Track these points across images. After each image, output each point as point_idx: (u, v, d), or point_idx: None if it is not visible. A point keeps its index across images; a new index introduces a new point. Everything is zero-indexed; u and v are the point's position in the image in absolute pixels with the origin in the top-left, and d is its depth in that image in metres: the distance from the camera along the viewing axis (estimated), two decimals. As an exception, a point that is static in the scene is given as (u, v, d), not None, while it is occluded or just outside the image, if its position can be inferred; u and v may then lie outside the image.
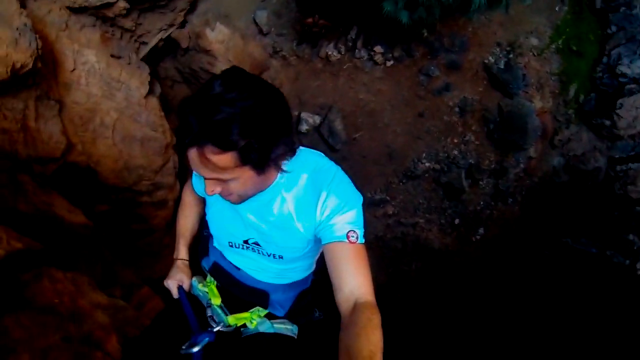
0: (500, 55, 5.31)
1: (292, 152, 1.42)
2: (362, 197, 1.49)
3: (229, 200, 1.49)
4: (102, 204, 4.23)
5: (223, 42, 4.95)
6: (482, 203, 5.60)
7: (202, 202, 1.97)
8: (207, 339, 1.66)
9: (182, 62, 5.21)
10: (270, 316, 1.83)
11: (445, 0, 4.08)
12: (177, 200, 4.45)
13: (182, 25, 4.83)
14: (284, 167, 1.40)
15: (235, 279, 1.84)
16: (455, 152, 5.37)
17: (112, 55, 4.23)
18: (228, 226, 1.72)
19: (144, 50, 4.65)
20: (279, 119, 1.29)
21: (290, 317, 1.85)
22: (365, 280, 1.35)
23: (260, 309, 1.82)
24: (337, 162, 1.55)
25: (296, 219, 1.53)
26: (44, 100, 3.64)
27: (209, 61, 5.03)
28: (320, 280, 1.96)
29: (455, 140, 5.37)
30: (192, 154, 1.23)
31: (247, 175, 1.32)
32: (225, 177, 1.31)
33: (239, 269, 1.83)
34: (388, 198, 5.46)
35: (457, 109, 5.33)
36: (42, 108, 3.62)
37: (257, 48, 5.27)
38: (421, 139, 5.31)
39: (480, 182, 5.54)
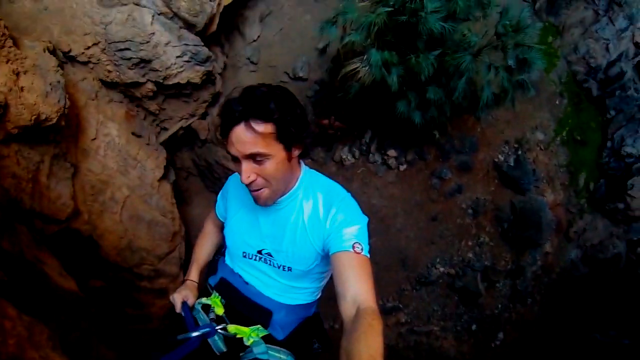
0: (509, 153, 5.28)
1: (308, 154, 1.64)
2: (367, 218, 1.56)
3: (258, 200, 1.57)
4: (98, 280, 3.73)
5: (241, 138, 4.86)
6: (499, 306, 5.11)
7: (220, 231, 2.05)
8: (207, 329, 1.72)
9: (199, 153, 5.06)
10: (268, 340, 1.77)
11: (456, 99, 4.15)
12: None
13: (203, 116, 4.78)
14: (302, 166, 1.65)
15: (241, 294, 1.82)
16: (470, 255, 5.02)
17: (133, 133, 4.10)
18: (245, 236, 1.76)
19: (164, 135, 4.52)
20: (303, 114, 1.52)
21: (288, 342, 1.79)
22: (368, 288, 1.36)
23: (261, 328, 1.78)
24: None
25: (308, 231, 1.59)
26: (60, 160, 3.42)
27: (224, 155, 4.88)
28: (322, 314, 2.00)
29: (470, 243, 5.06)
30: (239, 129, 1.41)
31: (279, 156, 1.46)
32: (263, 151, 1.41)
33: (247, 283, 1.82)
34: (400, 305, 4.96)
35: (470, 211, 5.12)
36: (56, 167, 3.39)
37: (275, 147, 5.18)
38: (434, 244, 5.00)
39: (497, 284, 5.11)
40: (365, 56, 3.92)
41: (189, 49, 3.99)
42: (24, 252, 2.29)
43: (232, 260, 1.90)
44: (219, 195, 2.01)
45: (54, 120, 3.10)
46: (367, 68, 3.92)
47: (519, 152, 5.25)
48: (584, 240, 5.35)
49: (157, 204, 4.24)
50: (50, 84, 3.12)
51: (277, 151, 1.46)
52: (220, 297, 1.88)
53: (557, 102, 5.52)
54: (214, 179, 5.08)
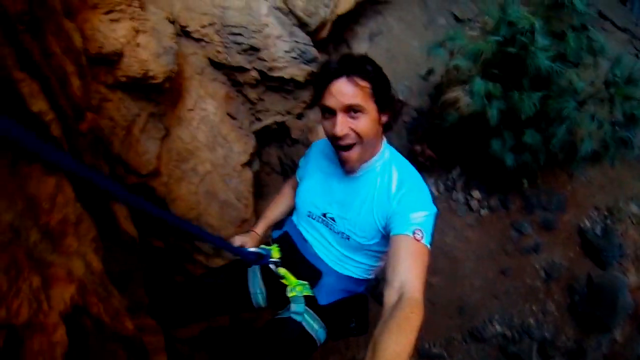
0: (597, 220, 4.70)
1: (391, 127, 1.67)
2: (436, 209, 1.51)
3: (347, 163, 1.59)
4: (158, 240, 3.74)
5: (330, 145, 4.79)
6: (548, 387, 4.47)
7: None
8: (263, 252, 1.84)
9: (287, 152, 5.04)
10: (310, 303, 1.75)
11: (552, 146, 3.81)
12: None
13: (299, 117, 4.76)
14: (384, 141, 1.67)
15: (298, 251, 1.83)
16: (531, 320, 4.50)
17: (228, 114, 4.15)
18: (314, 197, 1.77)
19: (257, 125, 4.55)
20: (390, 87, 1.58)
21: (328, 311, 1.75)
22: (418, 278, 1.29)
23: (307, 286, 1.77)
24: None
25: (375, 205, 1.56)
26: (155, 119, 3.52)
27: (311, 159, 4.83)
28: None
29: (534, 308, 4.54)
30: (340, 82, 1.46)
31: (373, 114, 1.50)
32: (361, 104, 1.46)
33: (306, 241, 1.81)
34: (445, 354, 4.51)
35: (542, 273, 4.61)
36: (150, 125, 3.48)
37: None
38: (498, 299, 4.54)
39: None
40: (468, 85, 3.71)
41: (298, 46, 4.01)
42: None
43: (298, 218, 1.89)
44: (301, 160, 2.06)
45: (160, 80, 3.23)
46: (468, 97, 3.71)
47: (608, 222, 4.65)
48: None
49: (235, 187, 4.23)
50: (163, 47, 3.27)
51: (371, 108, 1.50)
52: (279, 248, 1.90)
53: None
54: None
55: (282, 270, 1.83)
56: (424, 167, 4.78)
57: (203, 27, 3.83)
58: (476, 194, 4.78)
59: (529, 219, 4.74)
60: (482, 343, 4.55)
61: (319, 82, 1.54)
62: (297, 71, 4.13)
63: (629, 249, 4.65)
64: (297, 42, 3.99)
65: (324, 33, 4.44)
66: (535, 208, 4.75)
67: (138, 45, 3.16)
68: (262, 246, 1.96)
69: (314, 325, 1.74)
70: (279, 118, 4.64)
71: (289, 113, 4.66)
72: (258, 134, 4.61)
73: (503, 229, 4.75)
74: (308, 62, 4.11)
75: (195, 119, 3.90)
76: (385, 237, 1.55)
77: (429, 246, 1.39)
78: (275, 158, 5.18)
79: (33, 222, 1.03)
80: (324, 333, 1.79)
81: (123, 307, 1.43)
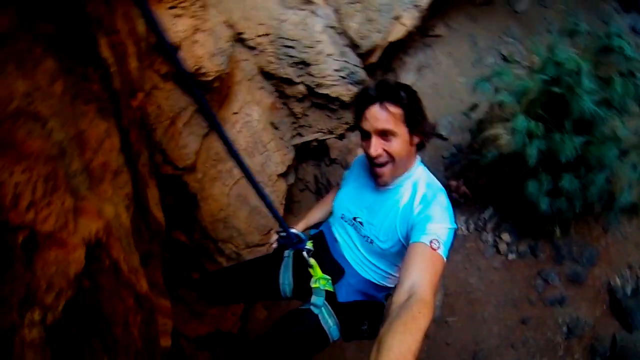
0: (629, 280, 4.45)
1: (424, 147, 1.76)
2: (457, 226, 1.63)
3: (380, 178, 1.72)
4: (183, 234, 3.77)
5: (368, 168, 4.77)
6: None
7: None
8: (302, 236, 2.07)
9: (324, 171, 5.05)
10: (329, 298, 1.86)
11: (590, 194, 3.68)
12: None
13: (340, 137, 4.78)
14: (418, 158, 1.77)
15: (328, 248, 1.96)
16: (547, 377, 4.25)
17: (271, 123, 4.21)
18: (348, 203, 1.90)
19: (298, 140, 4.60)
20: (424, 110, 1.68)
21: (344, 309, 1.85)
22: (430, 282, 1.29)
23: (330, 281, 1.88)
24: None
25: (399, 215, 1.65)
26: (200, 116, 3.62)
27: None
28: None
29: (551, 364, 4.30)
30: (374, 108, 1.61)
31: (404, 137, 1.62)
32: (392, 128, 1.59)
33: (336, 240, 1.93)
34: None
35: (565, 328, 4.36)
36: (194, 120, 3.58)
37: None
38: (515, 349, 4.32)
39: None
40: (511, 123, 3.66)
41: (348, 66, 4.07)
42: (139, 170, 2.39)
43: (333, 220, 2.02)
44: (345, 172, 2.15)
45: (210, 78, 3.33)
46: (509, 135, 3.65)
47: None
48: None
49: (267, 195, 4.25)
50: (219, 48, 3.39)
51: (402, 132, 1.61)
52: (313, 244, 2.05)
53: None
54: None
55: (312, 261, 1.94)
56: (457, 203, 4.69)
57: (259, 36, 3.95)
58: (506, 237, 4.64)
59: (557, 270, 4.53)
60: None
61: (358, 106, 1.70)
62: (344, 91, 4.18)
63: None
64: (347, 62, 4.05)
65: (374, 58, 4.50)
66: (565, 259, 4.55)
67: (196, 42, 3.29)
68: (293, 230, 2.12)
69: (328, 321, 1.84)
70: (320, 136, 4.68)
71: (330, 132, 4.70)
72: (298, 149, 4.65)
73: (529, 276, 4.56)
74: (356, 83, 4.16)
75: (239, 122, 3.97)
76: (405, 248, 1.58)
77: (444, 258, 1.41)
78: (311, 176, 5.19)
79: (79, 152, 1.05)
80: (337, 331, 1.87)
81: (141, 268, 1.44)
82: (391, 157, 1.66)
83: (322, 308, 1.86)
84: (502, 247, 4.63)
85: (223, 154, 3.88)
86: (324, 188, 5.08)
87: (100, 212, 1.10)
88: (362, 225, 1.81)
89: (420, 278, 1.30)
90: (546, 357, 4.31)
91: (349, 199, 1.92)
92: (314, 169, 5.18)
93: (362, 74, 4.13)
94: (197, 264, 4.01)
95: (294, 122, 4.47)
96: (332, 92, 4.14)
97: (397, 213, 1.68)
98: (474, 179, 4.55)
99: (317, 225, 2.21)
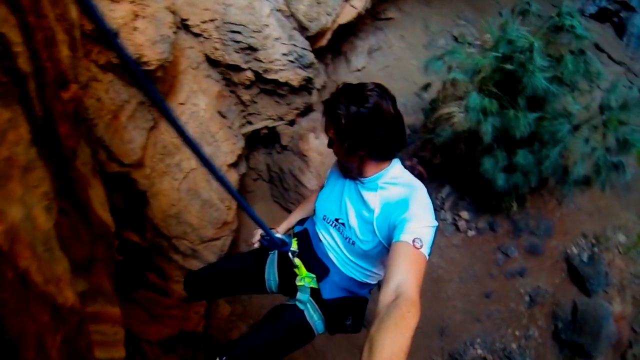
0: (585, 248, 4.65)
1: (376, 158, 1.68)
2: (437, 224, 1.53)
3: (343, 171, 1.85)
4: (135, 234, 3.55)
5: (321, 155, 4.66)
6: (527, 414, 4.30)
7: None
8: (287, 240, 1.98)
9: (276, 159, 4.91)
10: (314, 295, 1.89)
11: (545, 168, 3.72)
12: None
13: (291, 124, 4.65)
14: (391, 162, 1.72)
15: (312, 247, 1.95)
16: (514, 346, 4.34)
17: (219, 112, 4.02)
18: (329, 204, 1.90)
19: (248, 128, 4.44)
20: (378, 131, 1.58)
21: (328, 305, 1.86)
22: (415, 280, 1.29)
23: (315, 279, 1.89)
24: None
25: (377, 217, 1.63)
26: (144, 109, 3.41)
27: (300, 167, 4.69)
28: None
29: (517, 333, 4.39)
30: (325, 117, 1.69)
31: (339, 145, 1.66)
32: (329, 135, 1.68)
33: (320, 240, 1.93)
34: None
35: (527, 298, 4.49)
36: (139, 113, 3.37)
37: (349, 177, 4.93)
38: (480, 322, 4.39)
39: None
40: (464, 101, 3.62)
41: (296, 49, 3.93)
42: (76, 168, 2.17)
43: (316, 220, 2.01)
44: (329, 172, 2.12)
45: (153, 67, 3.12)
46: (463, 114, 3.62)
47: (595, 250, 4.61)
48: None
49: (218, 187, 4.09)
50: (161, 35, 3.17)
51: (337, 142, 1.66)
52: (297, 242, 2.03)
53: None
54: (283, 189, 4.87)
55: (297, 261, 1.96)
56: (412, 183, 4.66)
57: (203, 22, 3.76)
58: (464, 214, 4.68)
59: (516, 243, 4.65)
60: None
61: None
62: (292, 75, 4.04)
63: (614, 277, 4.60)
64: (295, 45, 3.91)
65: (324, 41, 4.37)
66: (523, 232, 4.67)
67: (135, 29, 3.08)
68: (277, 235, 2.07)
69: (314, 316, 1.88)
70: (270, 123, 4.54)
71: (280, 119, 4.56)
72: (248, 137, 4.48)
73: (489, 251, 4.64)
74: (304, 67, 4.03)
75: (186, 113, 3.78)
76: (387, 248, 1.59)
77: (427, 256, 1.39)
78: (263, 164, 5.05)
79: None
80: (322, 325, 1.91)
81: (67, 276, 1.26)
82: (338, 159, 1.76)
83: (307, 304, 1.90)
84: (462, 224, 4.67)
85: (171, 147, 3.69)
86: (276, 176, 4.97)
87: (3, 214, 0.93)
88: (344, 227, 1.81)
89: (405, 277, 1.29)
90: (511, 327, 4.41)
91: (330, 200, 1.92)
92: (266, 157, 5.06)
93: (310, 57, 4.00)
94: (152, 264, 3.82)
95: (242, 110, 4.30)
96: (280, 77, 4.00)
97: (377, 216, 1.66)
98: (429, 159, 4.54)
99: (301, 222, 2.18)
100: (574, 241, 4.70)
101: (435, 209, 4.26)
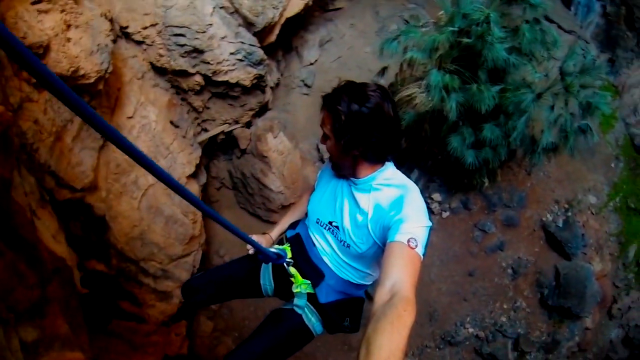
0: (559, 213, 4.73)
1: (370, 160, 1.64)
2: (431, 224, 1.50)
3: (334, 169, 1.82)
4: (100, 263, 3.30)
5: (282, 154, 4.49)
6: (526, 381, 4.33)
7: None
8: (282, 253, 1.94)
9: (236, 165, 4.71)
10: (311, 299, 1.91)
11: (513, 140, 3.71)
12: (184, 303, 3.56)
13: (248, 125, 4.46)
14: (384, 164, 1.67)
15: (306, 252, 1.94)
16: (504, 319, 4.35)
17: (171, 122, 3.80)
18: (322, 207, 1.88)
19: (204, 136, 4.23)
20: (376, 132, 1.55)
21: (326, 308, 1.88)
22: (410, 280, 1.28)
23: (311, 285, 1.90)
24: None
25: (371, 219, 1.62)
26: (91, 128, 3.10)
27: (262, 169, 4.51)
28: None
29: (505, 306, 4.41)
30: (323, 110, 1.65)
31: (334, 142, 1.63)
32: (324, 130, 1.65)
33: (314, 245, 1.92)
34: None
35: (509, 271, 4.50)
36: (85, 133, 3.13)
37: (314, 174, 4.79)
38: (467, 301, 4.37)
39: (528, 356, 4.39)
40: (425, 81, 3.55)
41: (244, 47, 3.76)
42: (13, 200, 1.91)
43: (309, 223, 2.00)
44: (319, 173, 2.10)
45: (92, 80, 2.88)
46: (424, 94, 3.54)
47: (569, 214, 4.69)
48: (627, 320, 4.63)
49: (180, 201, 3.87)
50: (97, 45, 2.94)
51: (332, 138, 1.63)
52: (290, 247, 2.02)
53: (612, 166, 5.01)
54: (248, 194, 4.68)
55: (293, 270, 1.95)
56: (380, 171, 4.58)
57: (144, 28, 3.54)
58: (436, 196, 4.63)
59: (492, 218, 4.65)
60: (456, 346, 4.39)
61: None
62: (243, 74, 3.87)
63: (591, 238, 4.69)
64: (242, 43, 3.74)
65: (272, 37, 4.21)
66: (497, 206, 4.69)
67: (68, 40, 2.82)
68: (276, 246, 2.07)
69: (312, 319, 1.90)
70: (226, 127, 4.35)
71: (236, 122, 4.37)
72: (205, 146, 4.28)
73: (466, 230, 4.62)
74: (254, 64, 3.86)
75: (136, 127, 3.56)
76: (382, 249, 1.58)
77: (422, 256, 1.38)
78: (224, 171, 4.85)
79: None
80: (321, 326, 1.93)
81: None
82: (330, 155, 1.72)
83: (305, 308, 1.91)
84: (435, 206, 4.63)
85: (125, 165, 3.46)
86: (239, 182, 4.78)
87: None
88: (338, 230, 1.80)
89: (401, 277, 1.28)
90: (499, 302, 4.43)
91: (323, 203, 1.90)
92: (226, 163, 4.86)
93: (260, 54, 3.84)
94: (123, 291, 3.56)
95: (196, 118, 4.10)
96: (231, 78, 3.83)
97: (370, 218, 1.64)
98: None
99: (292, 225, 2.17)
100: (548, 208, 4.77)
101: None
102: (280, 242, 2.15)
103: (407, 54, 3.73)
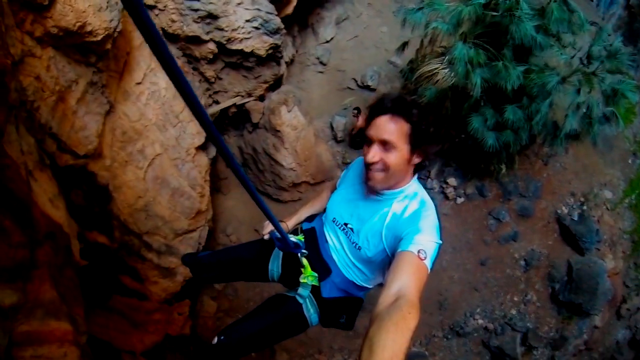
0: (574, 206, 4.54)
1: (423, 168, 1.73)
2: (442, 242, 1.53)
3: (370, 180, 1.66)
4: (101, 235, 3.11)
5: (296, 129, 4.27)
6: (532, 378, 4.18)
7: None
8: (301, 244, 1.92)
9: (248, 140, 4.51)
10: (314, 292, 1.94)
11: (535, 124, 3.49)
12: (189, 281, 3.56)
13: (261, 99, 4.24)
14: (414, 176, 1.69)
15: (318, 247, 1.97)
16: (514, 312, 4.19)
17: (182, 90, 3.56)
18: (340, 207, 1.89)
19: (215, 108, 4.01)
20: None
21: (326, 303, 1.92)
22: (416, 286, 1.28)
23: (317, 278, 1.93)
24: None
25: (386, 228, 1.64)
26: (96, 90, 2.94)
27: (274, 144, 4.30)
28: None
29: (515, 299, 4.23)
30: (384, 118, 1.57)
31: (403, 153, 1.57)
32: (394, 141, 1.55)
33: (327, 241, 1.96)
34: (427, 353, 4.13)
35: (522, 262, 4.32)
36: (91, 96, 2.91)
37: (327, 153, 4.58)
38: (478, 291, 4.19)
39: (535, 352, 4.23)
40: (447, 56, 3.32)
41: (260, 14, 3.53)
42: (5, 153, 1.70)
43: (325, 220, 2.00)
44: (344, 171, 2.11)
45: (99, 37, 2.65)
46: (446, 70, 3.31)
47: (584, 208, 4.52)
48: (635, 321, 4.47)
49: (188, 173, 3.68)
50: (107, 1, 2.73)
51: (403, 148, 1.57)
52: (304, 239, 2.02)
53: (629, 162, 4.81)
54: (258, 171, 4.48)
55: (305, 261, 1.96)
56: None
57: (157, -8, 3.28)
58: (452, 181, 4.43)
59: (507, 207, 4.47)
60: (464, 338, 4.22)
61: (370, 113, 1.63)
62: (259, 44, 3.64)
63: (605, 234, 4.51)
64: (259, 10, 3.52)
65: (290, 9, 4.00)
66: (512, 195, 4.50)
67: (76, -6, 2.58)
68: (292, 236, 1.99)
69: (310, 310, 1.93)
70: (238, 100, 4.12)
71: (249, 94, 4.14)
72: (216, 119, 4.06)
73: (480, 217, 4.43)
74: (271, 33, 3.63)
75: (145, 93, 3.34)
76: (389, 258, 1.61)
77: (429, 269, 1.38)
78: (235, 148, 4.66)
79: None
80: (317, 318, 1.96)
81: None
82: (386, 168, 1.63)
83: (306, 299, 1.95)
84: (450, 192, 4.43)
85: (132, 133, 3.27)
86: (250, 158, 4.58)
87: None
88: (353, 232, 1.81)
89: (407, 282, 1.29)
90: (509, 294, 4.25)
91: (342, 204, 1.90)
92: (237, 139, 4.66)
93: (277, 22, 3.62)
94: (125, 266, 3.38)
95: (207, 89, 3.88)
96: (246, 46, 3.61)
97: (384, 224, 1.66)
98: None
99: (309, 218, 2.18)
100: (563, 200, 4.58)
101: (421, 178, 4.11)
102: (295, 232, 2.16)
103: (430, 25, 3.49)
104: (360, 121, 4.21)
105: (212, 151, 4.02)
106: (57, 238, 2.18)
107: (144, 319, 3.43)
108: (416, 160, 1.62)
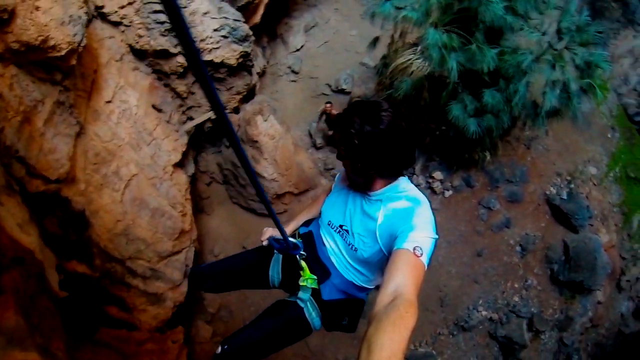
0: (562, 186, 4.59)
1: (387, 177, 1.71)
2: (438, 237, 1.53)
3: (349, 182, 1.85)
4: (81, 264, 2.91)
5: (273, 138, 4.17)
6: (543, 361, 4.11)
7: None
8: (299, 244, 2.01)
9: (226, 156, 4.39)
10: (314, 295, 1.98)
11: (515, 105, 3.49)
12: (180, 306, 3.37)
13: (236, 111, 4.14)
14: (400, 178, 1.72)
15: (315, 250, 2.01)
16: (516, 299, 4.14)
17: (153, 106, 3.45)
18: (335, 210, 1.94)
19: (189, 125, 3.88)
20: (389, 153, 1.57)
21: (327, 306, 1.94)
22: (413, 284, 1.30)
23: (317, 280, 1.96)
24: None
25: (379, 227, 1.67)
26: (64, 110, 2.81)
27: (253, 155, 4.19)
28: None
29: (516, 285, 4.19)
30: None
31: (347, 163, 1.70)
32: (339, 150, 1.69)
33: (324, 244, 1.98)
34: (434, 352, 4.02)
35: (518, 248, 4.29)
36: (59, 117, 2.78)
37: (308, 161, 4.49)
38: (478, 283, 4.12)
39: (542, 336, 4.22)
40: (420, 46, 3.30)
41: (228, 22, 3.47)
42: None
43: (321, 224, 2.04)
44: (338, 174, 2.13)
45: (63, 52, 2.53)
46: (420, 59, 3.29)
47: (572, 186, 4.59)
48: (636, 292, 4.51)
49: (167, 191, 3.52)
50: (70, 16, 2.62)
51: (347, 159, 1.68)
52: (302, 243, 2.06)
53: (609, 136, 4.93)
54: (240, 186, 4.34)
55: (303, 263, 1.99)
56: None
57: (121, 7, 3.23)
58: (437, 174, 4.41)
59: (495, 195, 4.47)
60: (470, 332, 4.14)
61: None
62: (229, 52, 3.57)
63: (595, 209, 4.54)
64: (226, 18, 3.46)
65: (257, 18, 3.95)
66: (500, 182, 4.52)
67: (37, 8, 2.50)
68: (290, 238, 2.07)
69: (312, 313, 1.96)
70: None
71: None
72: (192, 136, 3.93)
73: (471, 208, 4.41)
74: (240, 41, 3.57)
75: (115, 112, 3.20)
76: (387, 256, 1.61)
77: (426, 265, 1.40)
78: (213, 165, 4.52)
79: None
80: (319, 322, 1.98)
81: None
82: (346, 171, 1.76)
83: (307, 302, 1.97)
84: (437, 186, 4.40)
85: (105, 154, 3.12)
86: (230, 174, 4.45)
87: None
88: (348, 234, 1.84)
89: (404, 281, 1.28)
90: (509, 281, 4.22)
91: (336, 206, 1.94)
92: (215, 156, 4.55)
93: (245, 29, 3.57)
94: (109, 295, 3.16)
95: (180, 105, 3.77)
96: (215, 57, 3.54)
97: (379, 225, 1.67)
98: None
99: (306, 223, 2.22)
100: (550, 181, 4.64)
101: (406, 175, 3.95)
102: (292, 237, 2.13)
103: (400, 14, 3.48)
104: (335, 110, 4.18)
105: (191, 168, 3.89)
106: (27, 264, 2.01)
107: (135, 351, 3.20)
108: (370, 171, 1.65)
